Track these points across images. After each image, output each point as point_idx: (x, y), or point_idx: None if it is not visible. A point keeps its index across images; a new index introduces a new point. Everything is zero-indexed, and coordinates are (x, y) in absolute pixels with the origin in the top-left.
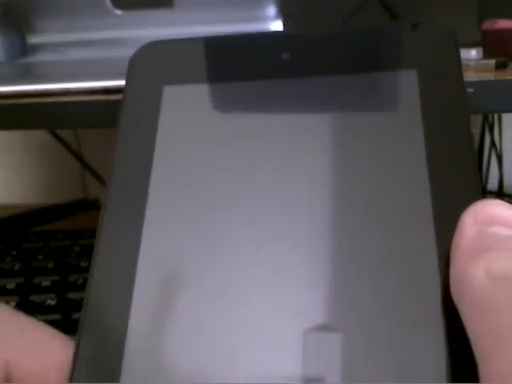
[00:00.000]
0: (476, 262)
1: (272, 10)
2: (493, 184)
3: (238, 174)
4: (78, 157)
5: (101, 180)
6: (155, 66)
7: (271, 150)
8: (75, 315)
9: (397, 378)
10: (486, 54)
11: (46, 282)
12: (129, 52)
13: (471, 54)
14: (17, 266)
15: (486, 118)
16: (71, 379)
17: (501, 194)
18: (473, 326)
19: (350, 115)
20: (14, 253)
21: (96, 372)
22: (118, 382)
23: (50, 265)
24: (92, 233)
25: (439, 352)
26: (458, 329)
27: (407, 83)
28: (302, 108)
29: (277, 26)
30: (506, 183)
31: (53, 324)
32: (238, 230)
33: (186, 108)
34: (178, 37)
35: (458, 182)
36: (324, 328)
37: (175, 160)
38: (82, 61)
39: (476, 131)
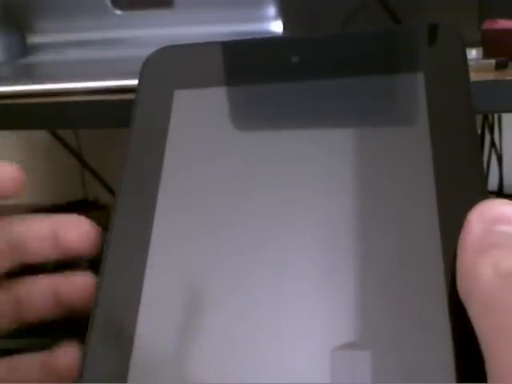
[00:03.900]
0: (483, 259)
1: (272, 10)
2: (493, 184)
3: (249, 179)
4: (78, 157)
5: (101, 180)
6: (167, 70)
7: (281, 153)
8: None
9: (405, 377)
10: (486, 54)
11: None
12: (129, 52)
13: (471, 54)
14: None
15: (485, 117)
16: (81, 380)
17: (501, 194)
18: (480, 323)
19: (356, 117)
20: None
21: (104, 374)
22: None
23: (49, 265)
24: None
25: (448, 350)
26: (466, 326)
27: (414, 86)
28: (311, 111)
29: (277, 26)
30: (505, 183)
31: (53, 324)
32: (252, 240)
33: (196, 112)
34: (178, 37)
35: (464, 182)
36: (349, 345)
37: (185, 163)
38: (81, 61)
39: None
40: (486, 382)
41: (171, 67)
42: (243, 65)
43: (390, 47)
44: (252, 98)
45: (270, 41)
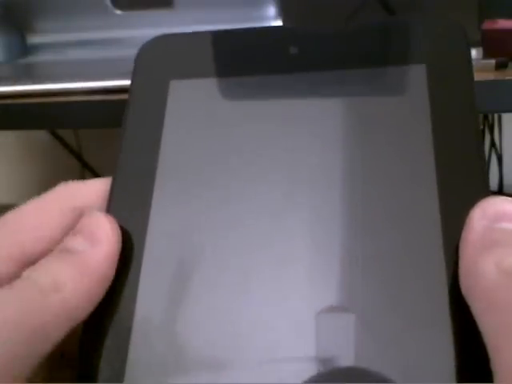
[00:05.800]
0: (486, 256)
1: (272, 10)
2: (493, 184)
3: (245, 168)
4: (78, 157)
5: None
6: (162, 60)
7: (277, 143)
8: None
9: (406, 368)
10: (486, 54)
11: None
12: (129, 52)
13: (471, 54)
14: None
15: (486, 117)
16: (80, 379)
17: (501, 194)
18: (484, 320)
19: (358, 110)
20: None
21: (102, 361)
22: (123, 379)
23: None
24: None
25: (451, 346)
26: (469, 323)
27: (416, 78)
28: (310, 102)
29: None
30: (505, 183)
31: None
32: (249, 216)
33: (192, 102)
34: None
35: (466, 178)
36: (336, 309)
37: (181, 154)
38: (82, 61)
39: None
40: (487, 378)
41: (166, 57)
42: (240, 55)
43: (391, 40)
44: (250, 88)
45: (268, 31)
